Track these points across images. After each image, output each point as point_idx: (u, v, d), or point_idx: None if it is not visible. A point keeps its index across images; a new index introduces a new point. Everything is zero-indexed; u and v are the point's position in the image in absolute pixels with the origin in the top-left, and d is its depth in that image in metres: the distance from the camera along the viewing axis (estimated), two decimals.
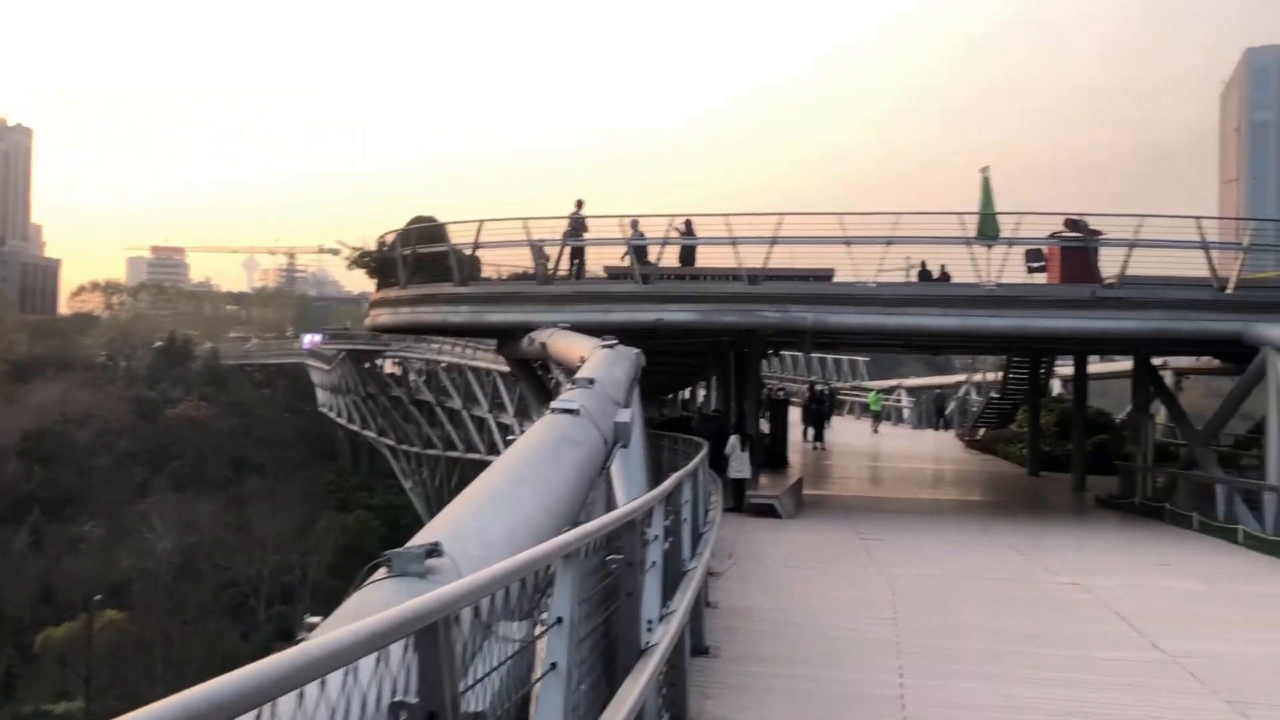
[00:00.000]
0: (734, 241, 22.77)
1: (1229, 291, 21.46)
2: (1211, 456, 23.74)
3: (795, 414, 38.10)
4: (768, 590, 12.81)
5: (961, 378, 56.86)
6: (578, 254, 24.53)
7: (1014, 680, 8.78)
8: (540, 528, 5.36)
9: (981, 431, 42.78)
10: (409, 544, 4.22)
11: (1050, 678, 8.84)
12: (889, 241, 22.13)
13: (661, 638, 5.05)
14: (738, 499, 21.61)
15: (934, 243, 22.40)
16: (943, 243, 22.30)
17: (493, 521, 5.32)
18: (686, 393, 56.43)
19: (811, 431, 38.74)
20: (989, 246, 22.12)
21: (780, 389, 50.65)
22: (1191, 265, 23.05)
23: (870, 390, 62.14)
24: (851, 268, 22.64)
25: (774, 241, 22.47)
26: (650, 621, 5.48)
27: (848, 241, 22.35)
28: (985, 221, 22.13)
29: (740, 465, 21.54)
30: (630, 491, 10.48)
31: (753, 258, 22.85)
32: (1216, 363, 32.32)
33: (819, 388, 45.24)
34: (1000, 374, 43.65)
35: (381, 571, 4.06)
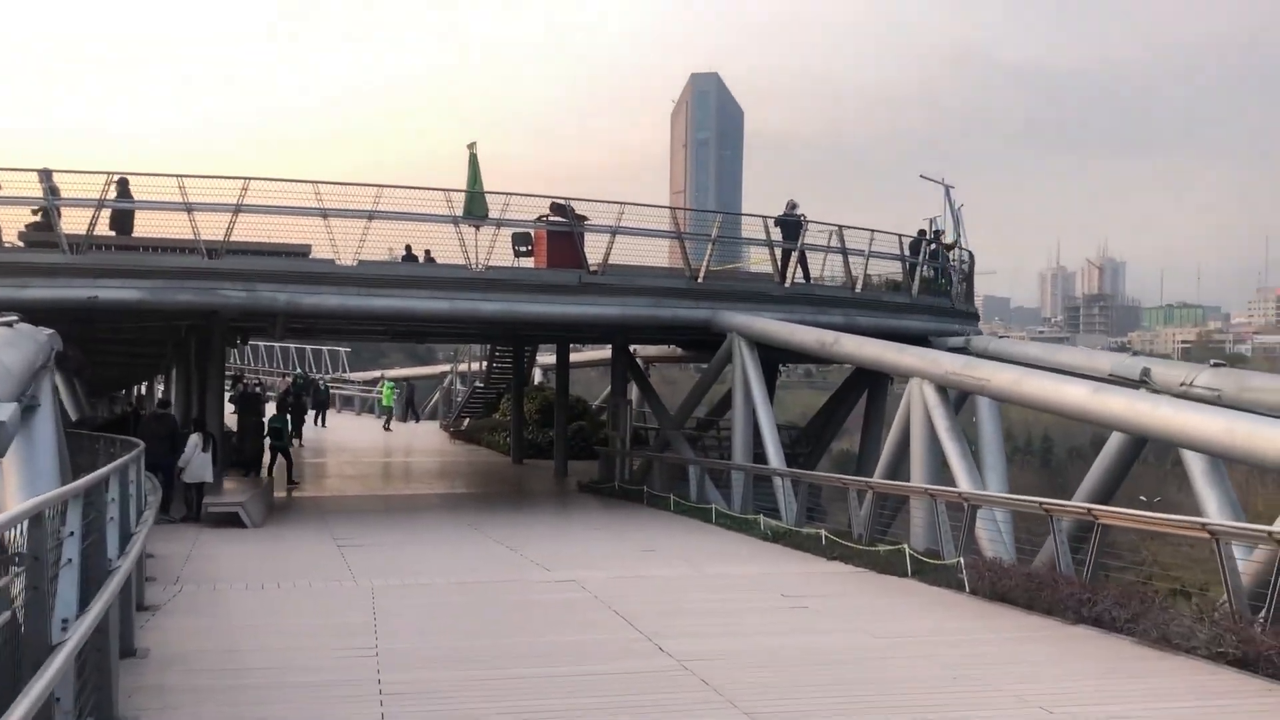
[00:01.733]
0: (189, 208, 19.54)
1: (700, 281, 22.28)
2: (683, 439, 24.73)
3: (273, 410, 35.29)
4: (221, 624, 10.39)
5: (445, 368, 56.41)
6: None
7: (518, 716, 7.37)
8: None
9: (466, 421, 42.36)
10: None
11: (558, 708, 7.54)
12: (371, 216, 20.24)
13: None
14: (196, 507, 18.63)
15: (420, 219, 20.82)
16: (429, 220, 20.81)
17: None
18: (143, 387, 50.32)
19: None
20: (477, 227, 21.07)
21: (258, 383, 47.06)
22: (665, 255, 23.85)
23: (354, 381, 59.80)
24: (330, 244, 20.46)
25: (239, 209, 19.61)
26: None
27: (325, 214, 20.14)
28: (473, 200, 21.02)
29: (199, 468, 18.56)
30: None
31: (213, 228, 19.84)
32: (679, 351, 34.36)
33: (301, 380, 42.56)
34: (484, 363, 43.65)
35: None
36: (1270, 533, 8.80)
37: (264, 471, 24.44)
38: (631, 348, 32.12)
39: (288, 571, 13.56)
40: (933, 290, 27.20)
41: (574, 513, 22.14)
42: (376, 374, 59.74)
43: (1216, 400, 14.92)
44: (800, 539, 16.05)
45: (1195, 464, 14.92)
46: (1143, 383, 17.16)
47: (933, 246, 27.21)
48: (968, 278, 29.59)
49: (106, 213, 19.84)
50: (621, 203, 21.96)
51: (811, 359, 26.34)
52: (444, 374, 54.68)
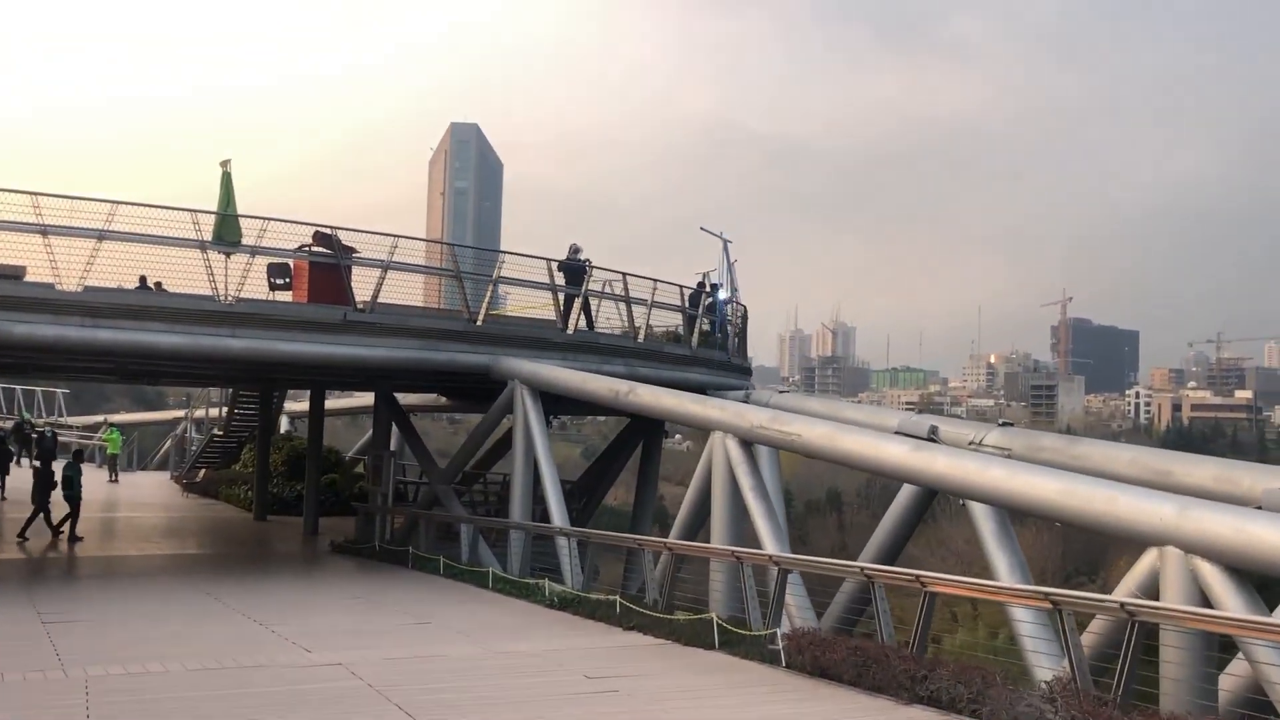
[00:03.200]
0: None
1: (479, 324, 20.76)
2: (453, 495, 22.94)
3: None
4: None
5: (177, 414, 51.71)
6: None
7: None
8: None
9: (202, 473, 38.59)
10: None
11: None
12: (101, 235, 17.56)
13: None
14: None
15: (161, 242, 18.23)
16: (172, 243, 18.29)
17: None
18: None
19: None
20: (228, 254, 18.74)
21: None
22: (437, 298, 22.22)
23: (73, 426, 53.89)
24: (50, 266, 17.58)
25: None
26: None
27: (44, 231, 17.31)
28: (224, 224, 18.70)
29: None
30: None
31: None
32: (441, 400, 32.53)
33: (27, 427, 38.76)
34: (223, 409, 40.20)
35: None
36: (1123, 604, 8.27)
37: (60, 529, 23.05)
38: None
39: None
40: (710, 343, 26.83)
41: (331, 578, 19.86)
42: (98, 419, 54.05)
43: (1008, 459, 14.80)
44: (591, 606, 14.71)
45: (985, 524, 14.66)
46: (931, 440, 17.02)
47: (710, 300, 26.89)
48: (741, 332, 29.49)
49: None
50: (395, 235, 20.21)
51: (600, 410, 25.23)
52: (177, 420, 50.07)
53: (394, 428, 27.00)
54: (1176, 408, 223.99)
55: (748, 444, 14.85)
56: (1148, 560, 9.61)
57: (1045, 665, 10.77)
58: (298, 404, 42.80)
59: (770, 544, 13.76)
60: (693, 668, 11.19)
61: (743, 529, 15.06)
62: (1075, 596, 8.94)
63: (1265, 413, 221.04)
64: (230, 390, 37.95)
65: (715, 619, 12.24)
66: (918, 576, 10.33)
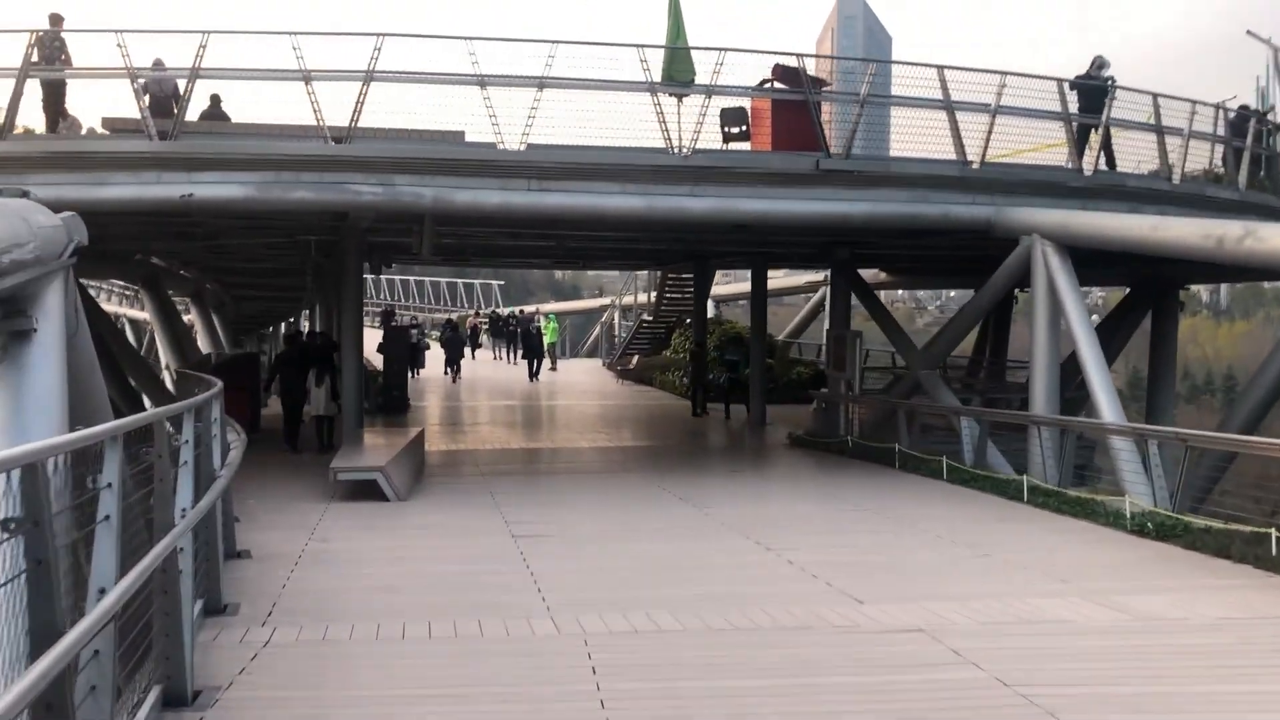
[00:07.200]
0: (306, 77, 14.68)
1: (977, 167, 16.42)
2: (940, 383, 19.01)
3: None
4: None
5: (602, 301, 51.87)
6: (54, 93, 15.37)
7: None
8: None
9: (635, 359, 37.60)
10: None
11: None
12: (542, 84, 15.06)
13: None
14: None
15: (607, 87, 15.45)
16: (619, 88, 15.45)
17: None
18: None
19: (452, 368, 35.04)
20: (680, 96, 15.69)
21: (416, 324, 44.11)
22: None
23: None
24: (491, 124, 15.36)
25: (370, 77, 14.71)
26: None
27: (482, 81, 15.05)
28: (675, 59, 15.62)
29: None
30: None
31: (338, 106, 15.05)
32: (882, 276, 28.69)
33: (514, 317, 43.07)
34: (650, 295, 39.18)
35: None
36: None
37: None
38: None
39: (441, 597, 8.60)
40: (1259, 185, 20.66)
41: (813, 480, 16.74)
42: (531, 309, 55.66)
43: None
44: (1216, 539, 10.29)
45: None
46: None
47: (1261, 128, 20.60)
48: None
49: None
50: (867, 59, 16.25)
51: (1120, 277, 20.18)
52: (601, 309, 50.21)
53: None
54: None
55: None
56: None
57: None
58: (721, 287, 40.76)
59: None
60: None
61: None
62: None
63: None
64: (657, 275, 36.58)
65: None
66: None
